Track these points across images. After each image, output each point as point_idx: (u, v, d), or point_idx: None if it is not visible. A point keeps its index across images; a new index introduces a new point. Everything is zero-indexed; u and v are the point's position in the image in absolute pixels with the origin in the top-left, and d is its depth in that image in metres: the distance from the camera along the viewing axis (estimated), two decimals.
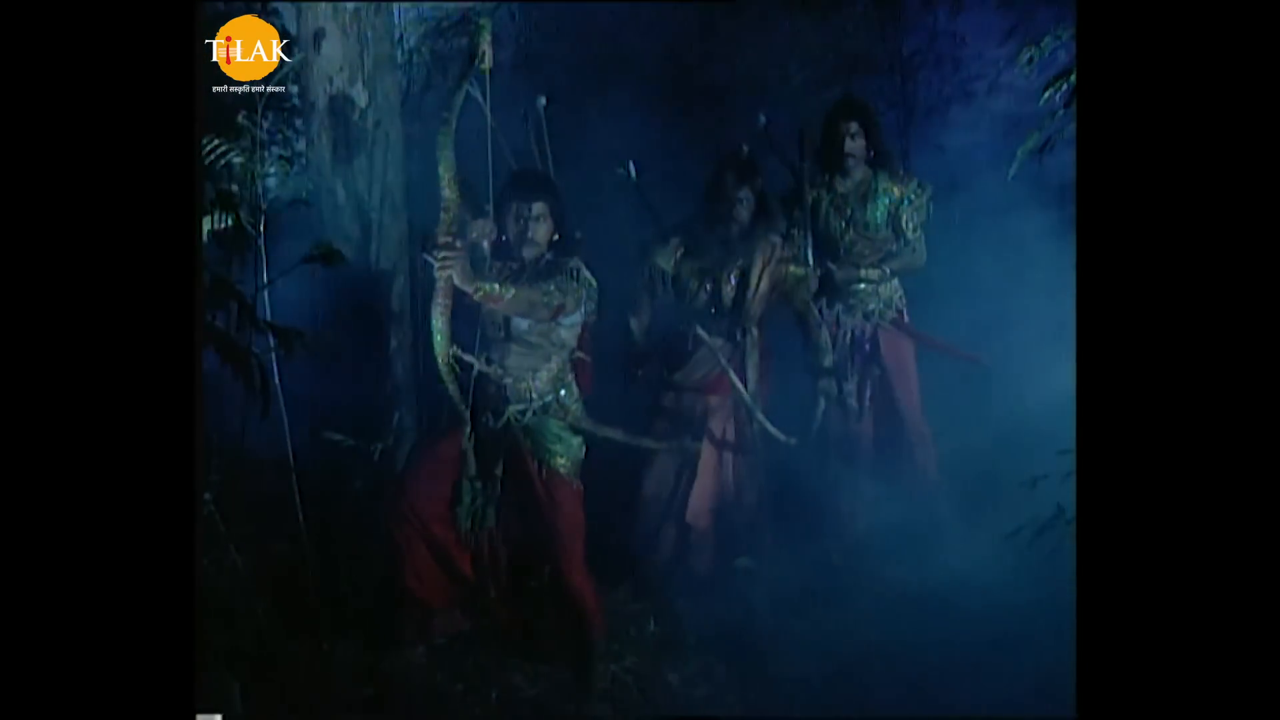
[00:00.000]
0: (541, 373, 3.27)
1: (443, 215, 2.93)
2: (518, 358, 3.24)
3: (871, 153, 4.16)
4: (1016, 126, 3.08)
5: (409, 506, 3.28)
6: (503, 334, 3.23)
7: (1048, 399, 3.47)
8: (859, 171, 4.16)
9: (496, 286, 3.00)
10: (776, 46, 5.74)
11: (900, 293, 4.26)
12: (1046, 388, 3.43)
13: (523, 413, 3.27)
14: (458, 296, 3.01)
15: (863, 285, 4.18)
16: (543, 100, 3.63)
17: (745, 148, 3.83)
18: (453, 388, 3.15)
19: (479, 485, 3.30)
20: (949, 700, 3.11)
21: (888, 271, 4.19)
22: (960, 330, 4.21)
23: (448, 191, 2.92)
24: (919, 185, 4.15)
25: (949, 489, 4.15)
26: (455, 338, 3.10)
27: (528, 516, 3.36)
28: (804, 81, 5.63)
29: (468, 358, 3.17)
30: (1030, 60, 2.74)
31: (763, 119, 4.06)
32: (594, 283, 3.23)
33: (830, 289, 4.12)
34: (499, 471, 3.32)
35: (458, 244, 2.94)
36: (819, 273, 4.02)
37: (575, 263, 3.19)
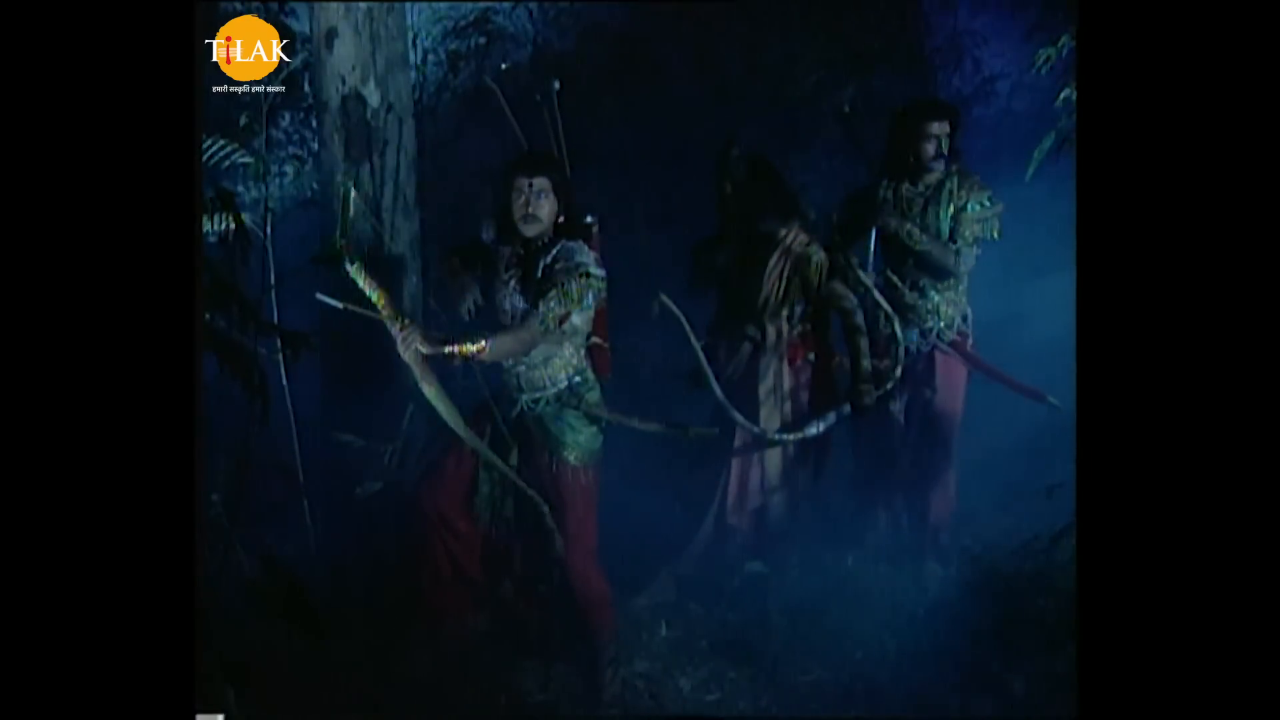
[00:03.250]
0: (555, 360, 3.21)
1: (385, 317, 2.91)
2: None
3: (948, 157, 3.84)
4: (1040, 127, 3.02)
5: (428, 497, 3.26)
6: (511, 321, 3.19)
7: (1065, 406, 3.42)
8: (933, 175, 3.87)
9: (472, 344, 2.93)
10: (793, 44, 5.70)
11: (966, 313, 4.01)
12: (1063, 394, 3.38)
13: (536, 401, 3.24)
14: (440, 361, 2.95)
15: (922, 299, 3.93)
16: (556, 84, 3.59)
17: (734, 146, 3.78)
18: (469, 434, 3.15)
19: (496, 475, 3.28)
20: (959, 708, 3.08)
21: (944, 285, 3.91)
22: (978, 333, 4.13)
23: (375, 296, 2.91)
24: (990, 199, 3.82)
25: (966, 496, 4.08)
26: (458, 400, 3.07)
27: (539, 509, 3.29)
28: (819, 80, 5.58)
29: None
30: (1047, 60, 2.71)
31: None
32: (600, 273, 3.13)
33: (889, 299, 3.82)
34: (514, 461, 3.29)
35: (401, 324, 2.91)
36: (874, 278, 3.79)
37: (578, 263, 3.08)
